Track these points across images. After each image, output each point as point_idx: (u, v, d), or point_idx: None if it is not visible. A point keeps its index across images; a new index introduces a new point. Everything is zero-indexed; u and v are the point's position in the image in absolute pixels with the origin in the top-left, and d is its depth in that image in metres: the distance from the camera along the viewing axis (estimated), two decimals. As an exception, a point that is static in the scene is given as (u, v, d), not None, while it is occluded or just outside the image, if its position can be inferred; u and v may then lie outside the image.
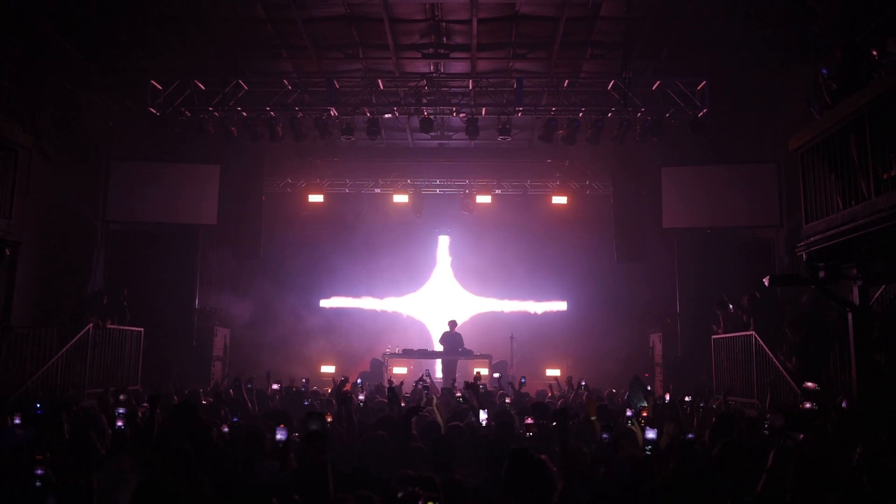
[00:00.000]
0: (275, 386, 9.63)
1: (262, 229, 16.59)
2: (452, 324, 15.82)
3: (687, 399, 8.54)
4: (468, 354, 15.60)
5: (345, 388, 9.96)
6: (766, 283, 8.39)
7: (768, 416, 6.93)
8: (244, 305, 16.26)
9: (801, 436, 4.84)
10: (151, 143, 14.14)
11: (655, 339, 15.52)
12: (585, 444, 5.75)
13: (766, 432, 6.21)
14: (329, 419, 6.76)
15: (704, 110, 12.33)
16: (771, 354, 9.89)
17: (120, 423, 5.97)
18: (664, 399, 8.91)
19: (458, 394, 9.16)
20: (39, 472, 3.98)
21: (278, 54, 12.95)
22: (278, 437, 4.79)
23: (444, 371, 15.03)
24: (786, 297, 11.72)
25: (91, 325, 10.86)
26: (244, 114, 12.94)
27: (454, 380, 12.69)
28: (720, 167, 14.33)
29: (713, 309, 12.65)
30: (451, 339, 15.60)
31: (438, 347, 15.88)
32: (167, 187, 14.39)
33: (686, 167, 14.55)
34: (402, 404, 8.16)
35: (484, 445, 5.11)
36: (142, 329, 12.32)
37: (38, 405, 7.17)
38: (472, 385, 7.87)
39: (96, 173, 14.01)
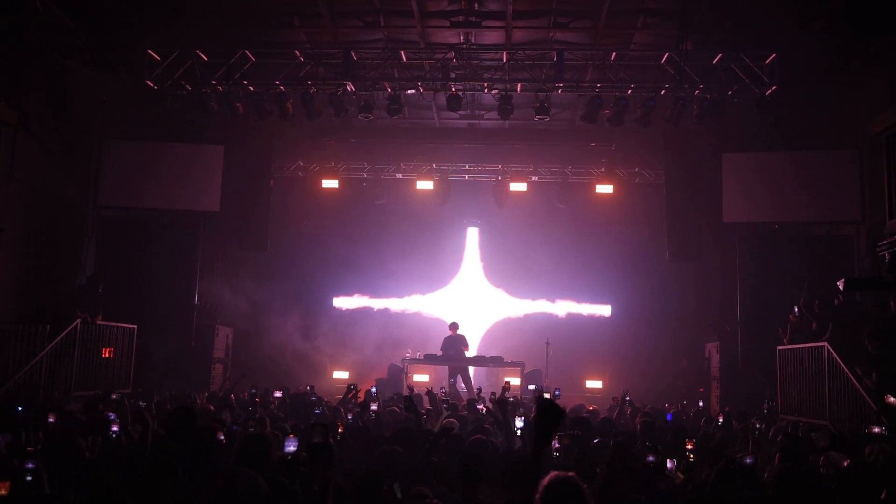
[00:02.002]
0: (277, 394, 9.67)
1: (269, 218, 16.74)
2: (454, 326, 15.84)
3: (757, 425, 8.36)
4: (497, 361, 15.61)
5: (353, 396, 10.12)
6: (842, 287, 8.21)
7: (812, 435, 6.81)
8: (249, 303, 16.39)
9: (847, 462, 4.75)
10: (148, 120, 14.24)
11: (712, 350, 15.36)
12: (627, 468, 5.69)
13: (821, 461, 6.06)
14: (340, 430, 6.80)
15: (773, 88, 12.19)
16: (846, 368, 9.69)
17: (115, 429, 6.04)
18: (717, 421, 8.79)
19: (481, 406, 9.12)
20: (30, 465, 4.07)
21: (289, 22, 13.01)
22: (288, 448, 4.80)
23: (451, 379, 14.99)
24: (872, 303, 11.46)
25: (79, 320, 11.01)
26: (251, 88, 13.05)
27: (480, 390, 12.65)
28: (790, 154, 14.13)
29: (780, 315, 12.44)
30: (454, 343, 15.61)
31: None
32: (165, 170, 14.48)
33: (750, 153, 14.40)
34: (424, 416, 8.19)
35: (511, 463, 5.07)
36: (135, 326, 12.41)
37: (20, 408, 7.31)
38: (502, 401, 7.81)
39: (87, 154, 14.19)
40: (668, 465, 6.14)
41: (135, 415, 7.01)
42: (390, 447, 5.77)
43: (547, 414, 3.34)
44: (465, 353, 15.71)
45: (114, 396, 8.39)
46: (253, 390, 10.44)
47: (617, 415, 10.16)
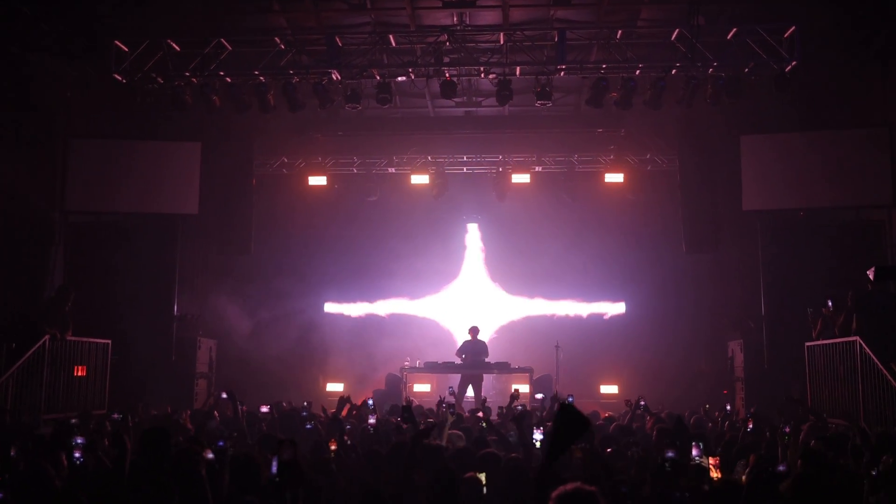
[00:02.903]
0: (264, 409, 9.62)
1: (253, 219, 16.68)
2: (474, 331, 15.80)
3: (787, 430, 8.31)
4: (503, 368, 15.57)
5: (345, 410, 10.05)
6: (872, 276, 8.11)
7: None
8: (233, 312, 16.36)
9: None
10: (117, 117, 14.20)
11: (735, 348, 15.34)
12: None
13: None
14: (333, 447, 6.74)
15: (793, 63, 12.10)
16: (880, 365, 9.60)
17: (78, 455, 5.97)
18: (746, 426, 8.71)
19: (482, 415, 9.05)
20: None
21: (268, 7, 12.94)
22: (275, 468, 4.78)
23: (461, 388, 14.93)
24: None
25: (47, 336, 10.90)
26: (228, 80, 13.00)
27: (485, 399, 12.56)
28: (814, 134, 14.10)
29: (807, 309, 12.33)
30: (474, 349, 15.57)
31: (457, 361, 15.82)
32: (137, 171, 14.45)
33: (770, 135, 14.36)
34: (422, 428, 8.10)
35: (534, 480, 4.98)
36: (109, 341, 12.35)
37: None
38: (519, 416, 7.69)
39: (52, 155, 14.12)
40: (695, 451, 6.09)
41: (112, 437, 6.94)
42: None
43: (566, 422, 3.23)
44: (486, 360, 15.58)
45: (73, 420, 8.31)
46: (242, 406, 10.36)
47: (629, 420, 10.09)
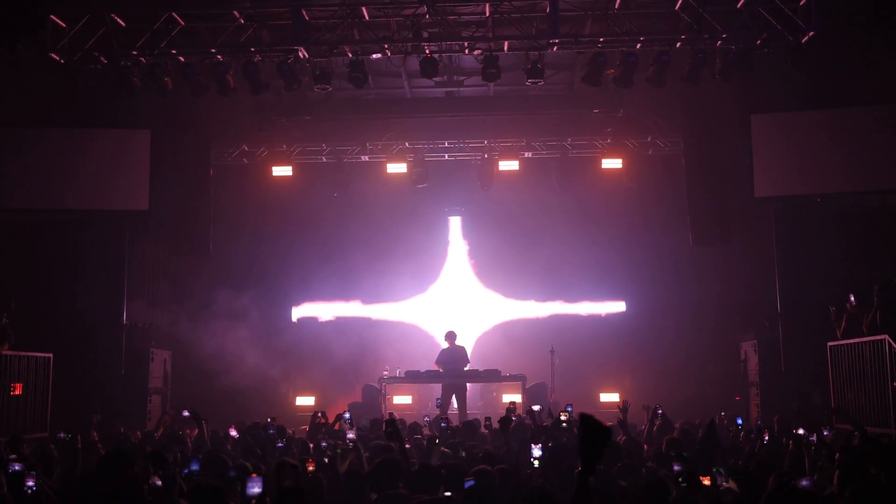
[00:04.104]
0: (233, 432, 9.50)
1: (211, 216, 16.63)
2: (451, 336, 15.80)
3: (801, 433, 8.28)
4: (493, 376, 15.59)
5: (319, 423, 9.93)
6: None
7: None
8: (190, 320, 16.26)
9: None
10: (55, 102, 14.06)
11: (749, 350, 15.44)
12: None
13: None
14: (311, 468, 6.66)
15: (810, 34, 12.05)
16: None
17: (31, 484, 5.88)
18: (763, 438, 8.66)
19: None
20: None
21: (225, -25, 12.77)
22: (252, 490, 4.64)
23: (444, 398, 14.96)
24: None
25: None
26: (181, 59, 12.85)
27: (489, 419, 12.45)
28: (832, 112, 14.27)
29: (827, 304, 12.33)
30: (452, 356, 15.54)
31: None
32: (79, 163, 14.41)
33: (784, 114, 14.51)
34: (407, 445, 8.01)
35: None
36: (50, 355, 12.24)
37: None
38: (504, 420, 7.61)
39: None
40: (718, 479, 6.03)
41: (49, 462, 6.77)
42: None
43: (590, 434, 3.28)
44: (466, 368, 15.62)
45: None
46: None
47: (647, 431, 10.03)
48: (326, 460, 7.23)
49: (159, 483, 5.57)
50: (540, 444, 6.94)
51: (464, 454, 7.83)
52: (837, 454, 7.24)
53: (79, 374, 13.24)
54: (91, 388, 13.52)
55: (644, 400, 12.42)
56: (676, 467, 5.16)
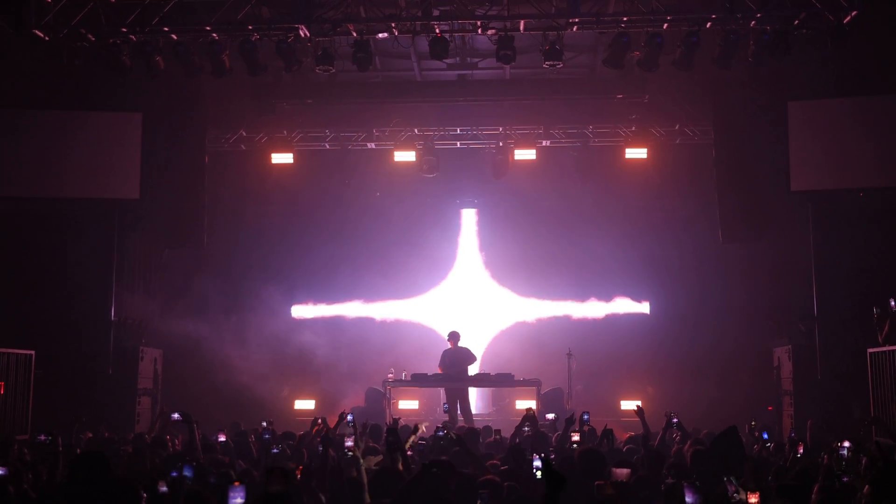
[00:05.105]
0: (221, 437, 9.50)
1: (205, 205, 16.66)
2: (454, 337, 15.91)
3: (845, 445, 8.21)
4: (506, 380, 15.62)
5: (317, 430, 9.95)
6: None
7: None
8: (183, 317, 16.24)
9: None
10: (39, 82, 14.07)
11: (782, 356, 15.38)
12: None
13: None
14: (298, 475, 6.71)
15: (853, 13, 11.97)
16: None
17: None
18: (797, 451, 8.59)
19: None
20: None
21: (221, -52, 12.78)
22: (234, 501, 4.72)
23: (449, 403, 14.99)
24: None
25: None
26: (174, 37, 12.87)
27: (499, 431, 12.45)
28: (877, 100, 14.21)
29: (870, 308, 12.30)
30: (455, 359, 15.63)
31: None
32: (66, 148, 14.43)
33: (824, 101, 14.49)
34: (410, 453, 7.98)
35: None
36: (32, 352, 12.31)
37: None
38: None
39: (-40, 130, 14.05)
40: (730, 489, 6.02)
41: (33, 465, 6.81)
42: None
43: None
44: (470, 370, 15.67)
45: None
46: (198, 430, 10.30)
47: (659, 441, 9.98)
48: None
49: (165, 489, 5.65)
50: (542, 455, 6.91)
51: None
52: (864, 464, 7.26)
53: (63, 372, 13.30)
54: (76, 389, 13.55)
55: (667, 409, 12.37)
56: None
